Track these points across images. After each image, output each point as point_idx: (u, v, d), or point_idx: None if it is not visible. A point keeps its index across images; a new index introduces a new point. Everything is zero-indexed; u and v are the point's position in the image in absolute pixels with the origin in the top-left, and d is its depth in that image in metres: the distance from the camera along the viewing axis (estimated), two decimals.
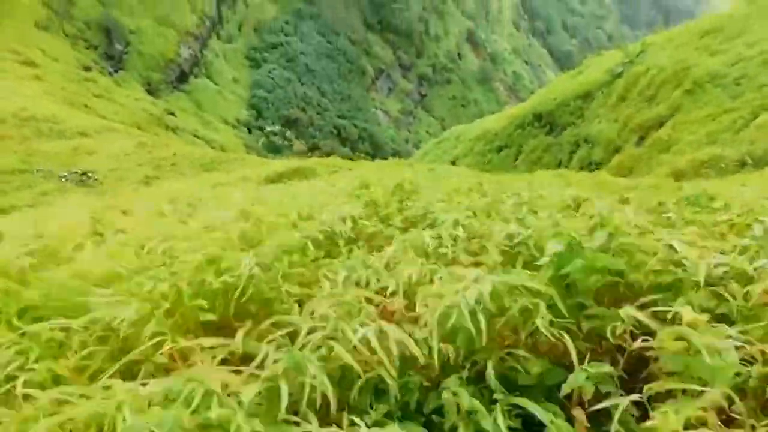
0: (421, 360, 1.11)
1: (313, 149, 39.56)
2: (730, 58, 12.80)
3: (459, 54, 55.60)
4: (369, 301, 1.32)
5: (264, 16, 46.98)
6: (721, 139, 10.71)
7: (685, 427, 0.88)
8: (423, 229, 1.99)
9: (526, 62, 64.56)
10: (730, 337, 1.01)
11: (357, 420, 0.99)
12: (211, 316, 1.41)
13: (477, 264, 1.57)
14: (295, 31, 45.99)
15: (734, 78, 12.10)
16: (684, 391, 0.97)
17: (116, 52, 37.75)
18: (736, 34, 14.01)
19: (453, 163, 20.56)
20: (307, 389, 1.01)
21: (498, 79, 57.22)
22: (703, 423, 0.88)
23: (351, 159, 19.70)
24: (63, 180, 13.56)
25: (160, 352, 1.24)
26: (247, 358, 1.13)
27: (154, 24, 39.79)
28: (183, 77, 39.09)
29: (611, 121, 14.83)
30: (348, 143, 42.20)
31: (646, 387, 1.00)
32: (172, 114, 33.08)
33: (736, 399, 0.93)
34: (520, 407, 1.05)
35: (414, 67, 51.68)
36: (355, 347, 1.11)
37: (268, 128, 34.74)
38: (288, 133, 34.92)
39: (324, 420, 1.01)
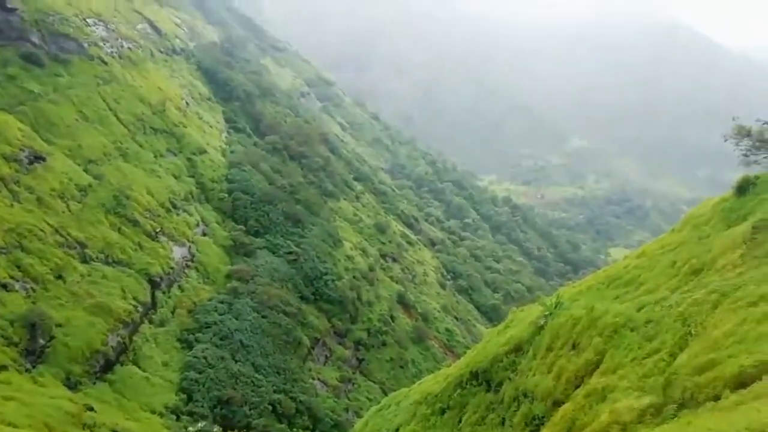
0: None
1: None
2: (635, 304, 13.85)
3: (392, 316, 57.43)
4: None
5: (199, 297, 48.04)
6: (650, 383, 10.90)
7: None
8: None
9: (457, 318, 67.18)
10: None
11: None
12: None
13: None
14: (230, 309, 46.78)
15: (644, 322, 12.93)
16: None
17: (38, 346, 36.19)
18: (636, 282, 15.46)
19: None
20: None
21: (432, 337, 58.61)
22: None
23: None
24: None
25: None
26: None
27: (84, 314, 39.36)
28: (108, 366, 37.31)
29: (544, 372, 14.97)
30: (285, 419, 39.62)
31: None
32: (91, 409, 30.60)
33: None
34: None
35: (349, 333, 52.32)
36: None
37: (192, 429, 32.54)
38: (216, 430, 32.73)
39: None
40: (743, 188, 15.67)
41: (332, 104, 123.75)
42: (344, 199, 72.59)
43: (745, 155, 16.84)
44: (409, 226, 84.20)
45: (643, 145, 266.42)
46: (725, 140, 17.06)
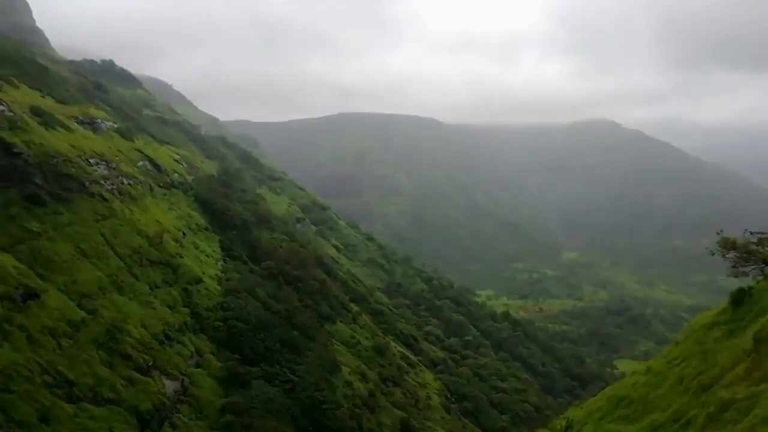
0: None
1: None
2: (645, 424, 13.33)
3: None
4: None
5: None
6: None
7: None
8: None
9: None
10: None
11: None
12: None
13: None
14: None
15: None
16: None
17: None
18: (645, 401, 14.96)
19: None
20: None
21: None
22: None
23: None
24: None
25: None
26: None
27: None
28: None
29: None
30: None
31: None
32: None
33: None
34: None
35: None
36: None
37: None
38: None
39: None
40: (739, 299, 15.78)
41: (327, 227, 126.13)
42: (341, 321, 71.53)
43: (734, 266, 17.17)
44: (409, 346, 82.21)
45: (636, 255, 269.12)
46: (712, 254, 17.49)
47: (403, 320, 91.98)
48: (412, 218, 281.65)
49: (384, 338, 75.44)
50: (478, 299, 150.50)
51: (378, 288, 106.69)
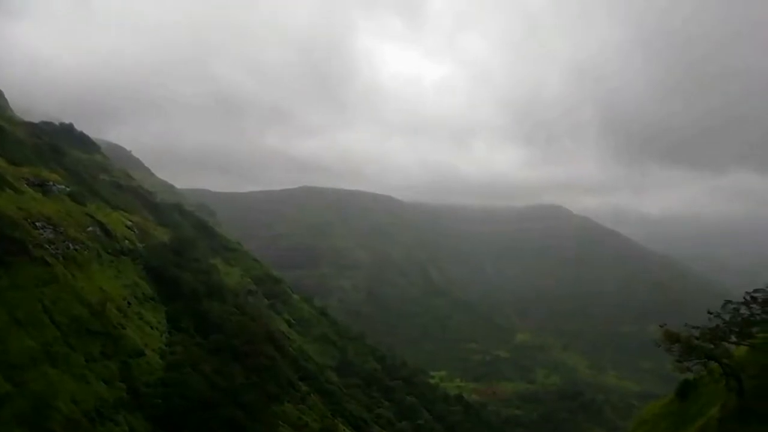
0: None
1: None
2: None
3: None
4: None
5: None
6: None
7: None
8: None
9: None
10: None
11: None
12: None
13: None
14: None
15: None
16: None
17: None
18: None
19: None
20: None
21: None
22: None
23: None
24: None
25: None
26: None
27: None
28: None
29: None
30: None
31: None
32: None
33: None
34: None
35: None
36: None
37: None
38: None
39: None
40: (684, 392, 16.10)
41: (280, 301, 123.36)
42: (288, 401, 68.65)
43: (678, 361, 17.63)
44: (358, 429, 79.06)
45: (585, 340, 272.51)
46: (657, 346, 17.94)
47: (354, 401, 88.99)
48: (368, 293, 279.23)
49: (333, 420, 72.55)
50: (431, 380, 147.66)
51: (329, 366, 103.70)
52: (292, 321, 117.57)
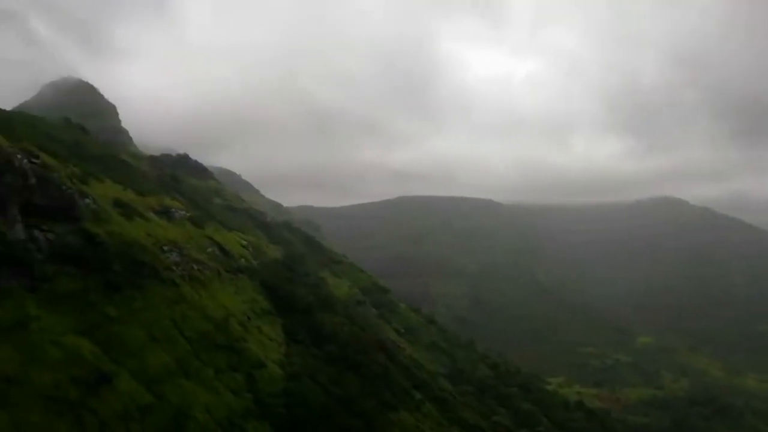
0: None
1: None
2: None
3: None
4: None
5: None
6: None
7: None
8: None
9: None
10: None
11: None
12: None
13: None
14: None
15: None
16: None
17: None
18: None
19: None
20: None
21: None
22: None
23: None
24: None
25: None
26: None
27: None
28: None
29: None
30: None
31: None
32: None
33: None
34: None
35: None
36: None
37: None
38: None
39: None
40: None
41: (387, 310, 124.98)
42: (404, 409, 68.94)
43: None
44: None
45: (715, 340, 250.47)
46: None
47: (468, 409, 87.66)
48: (473, 299, 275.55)
49: (449, 428, 71.86)
50: (548, 387, 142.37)
51: (441, 374, 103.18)
52: (401, 329, 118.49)
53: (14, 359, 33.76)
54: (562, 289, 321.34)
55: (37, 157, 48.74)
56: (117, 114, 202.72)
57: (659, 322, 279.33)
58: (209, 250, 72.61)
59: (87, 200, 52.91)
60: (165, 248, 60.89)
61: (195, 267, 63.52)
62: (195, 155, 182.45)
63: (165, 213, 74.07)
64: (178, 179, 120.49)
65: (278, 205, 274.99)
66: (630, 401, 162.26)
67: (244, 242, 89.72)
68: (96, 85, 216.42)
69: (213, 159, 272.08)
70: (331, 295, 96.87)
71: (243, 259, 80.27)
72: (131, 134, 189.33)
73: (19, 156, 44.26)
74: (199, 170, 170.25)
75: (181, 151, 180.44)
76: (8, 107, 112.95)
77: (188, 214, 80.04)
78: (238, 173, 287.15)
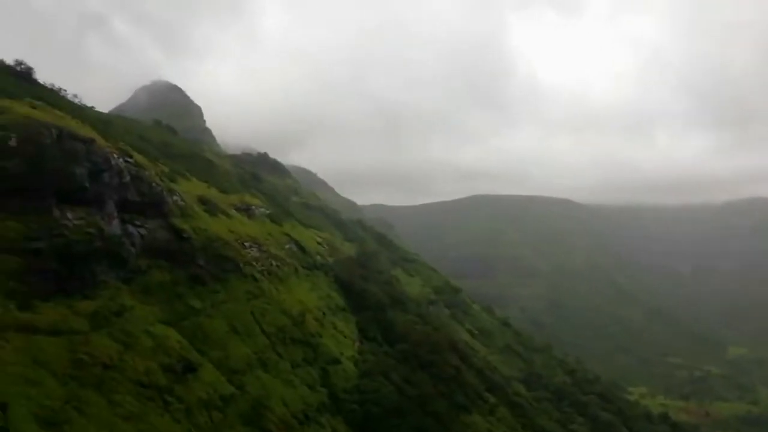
0: None
1: None
2: None
3: None
4: None
5: None
6: None
7: None
8: None
9: None
10: None
11: None
12: None
13: None
14: None
15: None
16: None
17: None
18: None
19: None
20: None
21: None
22: None
23: None
24: None
25: None
26: None
27: None
28: None
29: None
30: None
31: None
32: None
33: None
34: None
35: None
36: None
37: None
38: None
39: None
40: None
41: (460, 311, 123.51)
42: (477, 412, 67.85)
43: None
44: None
45: None
46: None
47: (544, 416, 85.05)
48: (548, 302, 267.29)
49: None
50: (629, 397, 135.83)
51: (516, 378, 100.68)
52: (474, 331, 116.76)
53: (111, 347, 36.00)
54: (644, 295, 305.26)
55: (131, 157, 51.79)
56: (202, 114, 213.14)
57: (753, 332, 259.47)
58: (287, 246, 74.53)
59: (175, 197, 55.66)
60: (246, 244, 63.03)
61: (273, 263, 65.38)
62: (273, 154, 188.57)
63: (246, 210, 76.69)
64: (258, 178, 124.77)
65: (352, 204, 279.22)
66: (721, 416, 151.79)
67: (320, 239, 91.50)
68: (180, 85, 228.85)
69: (290, 158, 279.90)
70: (403, 294, 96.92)
71: (319, 256, 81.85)
72: (215, 134, 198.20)
73: (115, 155, 47.22)
74: (278, 169, 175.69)
75: (261, 150, 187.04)
76: (105, 110, 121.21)
77: (267, 212, 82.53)
78: (314, 171, 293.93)
